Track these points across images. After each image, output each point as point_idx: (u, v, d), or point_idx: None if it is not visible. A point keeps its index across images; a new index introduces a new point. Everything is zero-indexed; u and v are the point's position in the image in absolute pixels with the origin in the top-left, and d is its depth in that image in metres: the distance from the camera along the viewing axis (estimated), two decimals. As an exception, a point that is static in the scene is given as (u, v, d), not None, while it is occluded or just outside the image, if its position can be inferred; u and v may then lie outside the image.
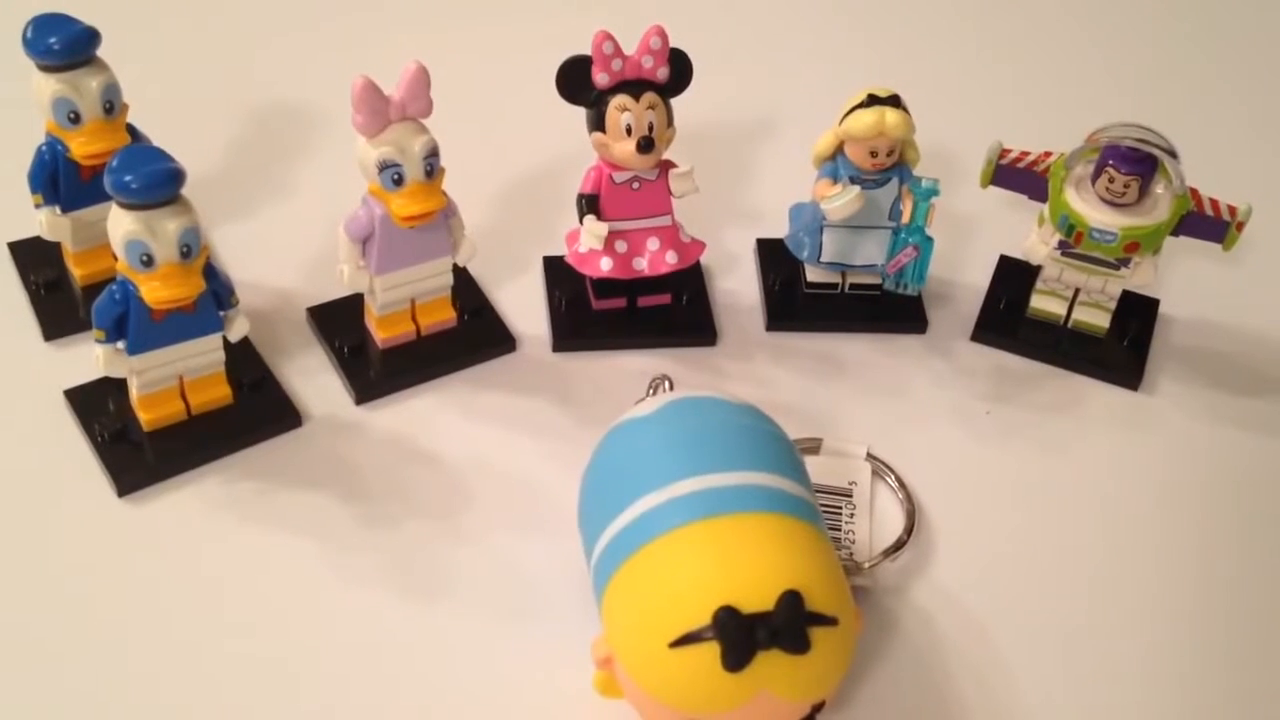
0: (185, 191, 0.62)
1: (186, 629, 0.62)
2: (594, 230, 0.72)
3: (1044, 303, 0.78)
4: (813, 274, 0.78)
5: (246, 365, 0.71)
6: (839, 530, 0.67)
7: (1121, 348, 0.77)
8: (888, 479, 0.70)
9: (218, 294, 0.66)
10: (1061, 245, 0.74)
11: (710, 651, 0.50)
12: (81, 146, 0.69)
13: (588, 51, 0.69)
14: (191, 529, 0.66)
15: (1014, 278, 0.79)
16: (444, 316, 0.75)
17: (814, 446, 0.70)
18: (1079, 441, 0.73)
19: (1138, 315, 0.78)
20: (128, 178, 0.60)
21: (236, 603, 0.63)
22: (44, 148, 0.71)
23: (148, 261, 0.62)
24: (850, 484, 0.69)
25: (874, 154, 0.72)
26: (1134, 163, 0.70)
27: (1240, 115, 0.97)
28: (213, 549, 0.65)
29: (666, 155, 0.72)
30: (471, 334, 0.75)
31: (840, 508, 0.68)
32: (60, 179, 0.71)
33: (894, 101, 0.71)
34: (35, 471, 0.68)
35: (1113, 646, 0.64)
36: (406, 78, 0.66)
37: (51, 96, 0.68)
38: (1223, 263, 0.82)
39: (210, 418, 0.69)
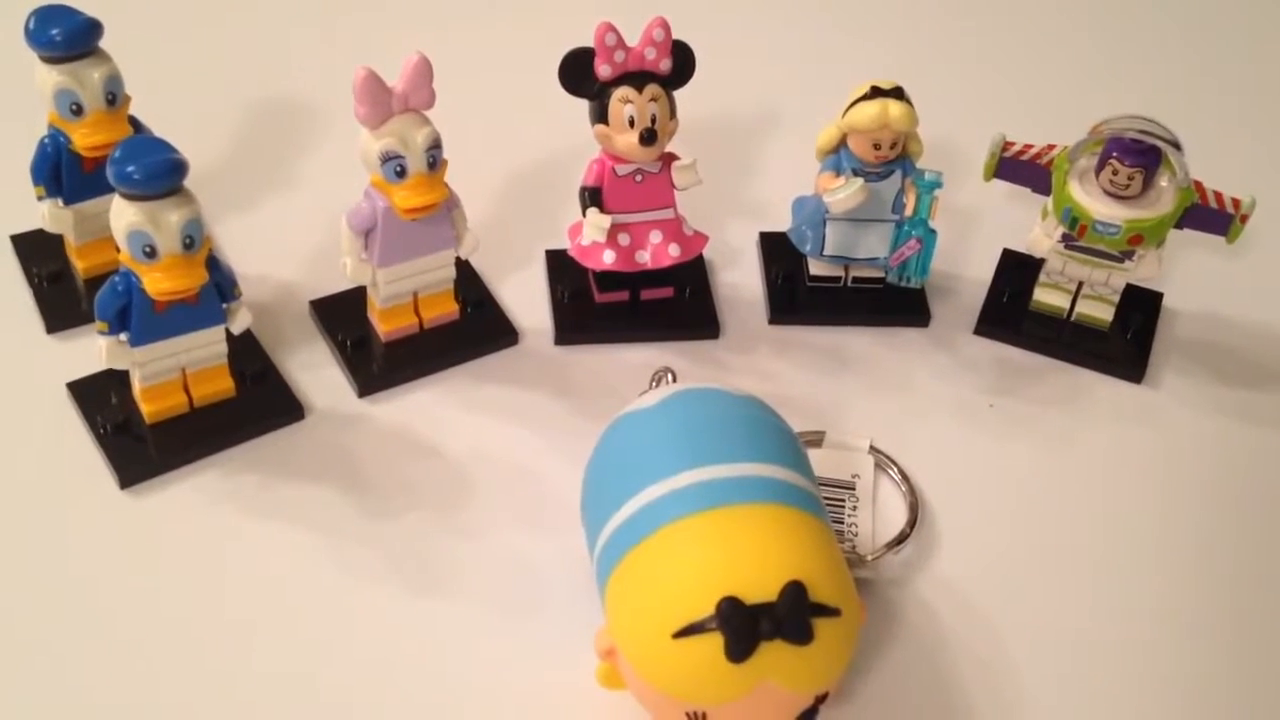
0: (188, 184, 0.62)
1: (188, 621, 0.62)
2: (597, 223, 0.72)
3: (1047, 296, 0.77)
4: (815, 267, 0.78)
5: (249, 358, 0.71)
6: (842, 523, 0.67)
7: (1125, 341, 0.77)
8: (890, 472, 0.70)
9: (220, 286, 0.66)
10: (1065, 238, 0.74)
11: (713, 642, 0.50)
12: (84, 138, 0.69)
13: (590, 43, 0.68)
14: (194, 521, 0.66)
15: (1017, 271, 0.79)
16: (446, 309, 0.74)
17: (817, 439, 0.70)
18: (1082, 435, 0.73)
19: (1141, 308, 0.78)
20: (130, 168, 0.60)
21: (239, 595, 0.63)
22: (46, 140, 0.71)
23: (150, 253, 0.62)
24: (853, 477, 0.69)
25: (877, 146, 0.72)
26: (1138, 155, 0.70)
27: (1244, 107, 0.97)
28: (215, 541, 0.65)
29: (669, 148, 0.72)
30: (474, 327, 0.75)
31: (843, 500, 0.68)
32: (63, 171, 0.71)
33: (898, 94, 0.71)
34: (38, 464, 0.68)
35: (1115, 638, 0.64)
36: (409, 69, 0.66)
37: (54, 88, 0.68)
38: (1226, 256, 0.82)
39: (213, 410, 0.69)
